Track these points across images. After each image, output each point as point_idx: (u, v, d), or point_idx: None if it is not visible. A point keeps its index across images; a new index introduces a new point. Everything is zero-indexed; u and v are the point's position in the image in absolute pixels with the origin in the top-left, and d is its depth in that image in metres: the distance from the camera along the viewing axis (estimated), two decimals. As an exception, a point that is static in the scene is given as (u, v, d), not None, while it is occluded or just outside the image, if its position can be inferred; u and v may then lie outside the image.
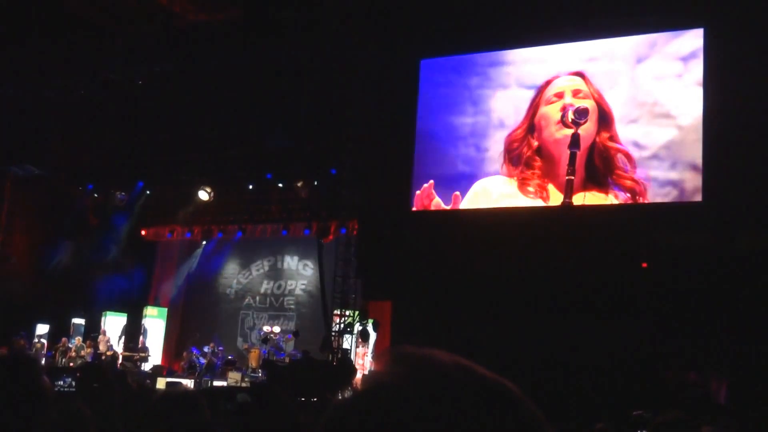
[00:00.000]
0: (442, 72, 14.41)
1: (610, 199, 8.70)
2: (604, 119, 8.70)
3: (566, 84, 8.85)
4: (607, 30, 12.91)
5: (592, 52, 11.24)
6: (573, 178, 8.22)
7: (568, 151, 8.43)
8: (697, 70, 10.98)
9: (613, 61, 10.39)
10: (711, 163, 11.84)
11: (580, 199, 8.44)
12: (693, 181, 9.71)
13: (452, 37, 14.02)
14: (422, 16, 13.95)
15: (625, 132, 9.50)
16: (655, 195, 9.52)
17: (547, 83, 9.14)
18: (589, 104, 8.51)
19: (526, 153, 8.97)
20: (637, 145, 9.65)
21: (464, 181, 11.54)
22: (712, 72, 12.02)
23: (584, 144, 8.49)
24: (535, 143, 8.41)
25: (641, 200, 9.12)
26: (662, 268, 12.20)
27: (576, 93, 9.23)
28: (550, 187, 9.34)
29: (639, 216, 12.25)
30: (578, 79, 9.12)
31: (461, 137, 12.76)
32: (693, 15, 12.29)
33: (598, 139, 8.45)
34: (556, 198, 9.38)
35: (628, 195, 8.70)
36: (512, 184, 9.05)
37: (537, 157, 8.56)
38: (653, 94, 10.10)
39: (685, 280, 11.77)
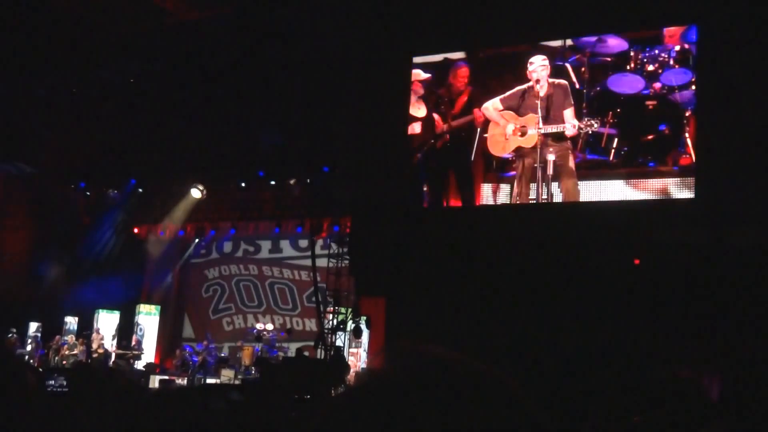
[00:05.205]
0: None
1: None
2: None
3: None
4: (599, 26, 12.97)
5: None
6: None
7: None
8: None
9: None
10: (703, 160, 11.88)
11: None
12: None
13: (446, 34, 14.01)
14: (415, 13, 13.93)
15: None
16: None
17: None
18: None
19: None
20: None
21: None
22: (704, 67, 12.06)
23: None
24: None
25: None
26: (654, 264, 12.23)
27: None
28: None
29: (631, 212, 12.30)
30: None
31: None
32: (686, 10, 12.32)
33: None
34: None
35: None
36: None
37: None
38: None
39: (677, 277, 11.80)
